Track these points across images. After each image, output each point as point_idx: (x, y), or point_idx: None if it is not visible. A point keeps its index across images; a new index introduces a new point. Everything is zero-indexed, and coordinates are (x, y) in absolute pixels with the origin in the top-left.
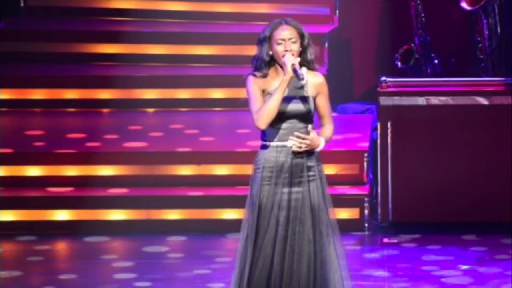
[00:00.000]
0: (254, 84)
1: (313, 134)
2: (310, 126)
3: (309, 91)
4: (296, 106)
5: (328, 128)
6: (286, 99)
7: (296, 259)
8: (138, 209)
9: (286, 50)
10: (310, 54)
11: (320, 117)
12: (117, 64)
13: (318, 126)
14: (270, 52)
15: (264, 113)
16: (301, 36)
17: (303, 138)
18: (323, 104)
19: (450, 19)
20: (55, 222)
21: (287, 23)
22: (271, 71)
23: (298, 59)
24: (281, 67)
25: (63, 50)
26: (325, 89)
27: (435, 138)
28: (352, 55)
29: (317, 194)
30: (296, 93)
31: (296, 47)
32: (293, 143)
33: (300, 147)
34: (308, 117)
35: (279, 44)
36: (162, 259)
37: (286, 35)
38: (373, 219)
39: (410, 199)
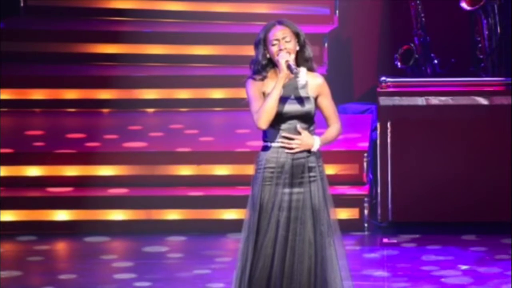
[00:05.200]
0: (253, 86)
1: (304, 134)
2: (299, 125)
3: (310, 92)
4: (296, 107)
5: (332, 128)
6: (286, 100)
7: (297, 259)
8: (138, 209)
9: (280, 50)
10: (308, 53)
11: (325, 118)
12: (117, 64)
13: (321, 126)
14: (267, 55)
15: (263, 112)
16: (297, 35)
17: (291, 139)
18: (326, 105)
19: (450, 19)
20: (55, 222)
21: (280, 23)
22: (271, 73)
23: (293, 56)
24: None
25: (63, 50)
26: (326, 90)
27: (435, 138)
28: (352, 55)
29: (318, 194)
30: (296, 93)
31: (291, 45)
32: (282, 144)
33: (291, 148)
34: (308, 118)
35: (273, 45)
36: (162, 259)
37: (279, 34)
38: (373, 219)
39: (410, 199)
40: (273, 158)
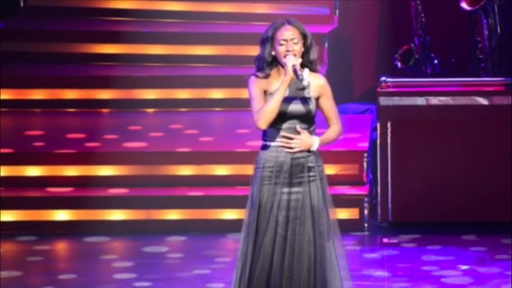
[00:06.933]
0: (256, 84)
1: (303, 133)
2: (298, 126)
3: (311, 93)
4: (296, 107)
5: (333, 129)
6: (288, 100)
7: (296, 259)
8: (138, 209)
9: (287, 51)
10: (313, 55)
11: (326, 119)
12: (117, 64)
13: (322, 126)
14: (273, 53)
15: (264, 113)
16: (304, 37)
17: (290, 138)
18: (327, 106)
19: (450, 19)
20: (55, 222)
21: (289, 23)
22: (274, 72)
23: (300, 60)
24: (283, 67)
25: (63, 50)
26: (327, 91)
27: (435, 138)
28: (352, 55)
29: (317, 194)
30: (297, 94)
31: (298, 47)
32: (282, 143)
33: (291, 147)
34: (309, 118)
35: (281, 44)
36: (162, 259)
37: (288, 35)
38: (373, 219)
39: (410, 199)
40: (272, 157)
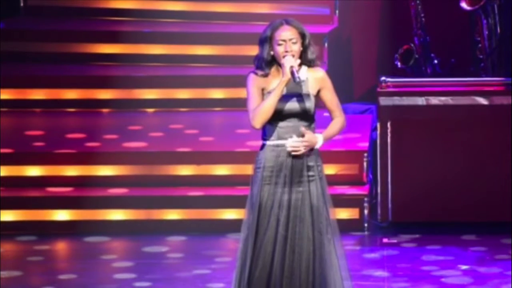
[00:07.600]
0: (254, 83)
1: (307, 134)
2: (302, 128)
3: (310, 88)
4: (294, 105)
5: (335, 122)
6: (285, 98)
7: (297, 258)
8: (138, 209)
9: (286, 51)
10: (311, 54)
11: (329, 112)
12: (117, 64)
13: (322, 125)
14: (272, 52)
15: (259, 113)
16: (302, 36)
17: (301, 141)
18: (329, 98)
19: (450, 19)
20: (55, 222)
21: (288, 23)
22: (273, 70)
23: (298, 61)
24: (282, 67)
25: (63, 50)
26: (327, 83)
27: (435, 138)
28: (352, 55)
29: (316, 194)
30: (295, 91)
31: (296, 47)
32: (291, 148)
33: (298, 151)
34: (307, 115)
35: (279, 44)
36: (162, 259)
37: (286, 35)
38: (373, 219)
39: (410, 199)
40: (272, 157)
